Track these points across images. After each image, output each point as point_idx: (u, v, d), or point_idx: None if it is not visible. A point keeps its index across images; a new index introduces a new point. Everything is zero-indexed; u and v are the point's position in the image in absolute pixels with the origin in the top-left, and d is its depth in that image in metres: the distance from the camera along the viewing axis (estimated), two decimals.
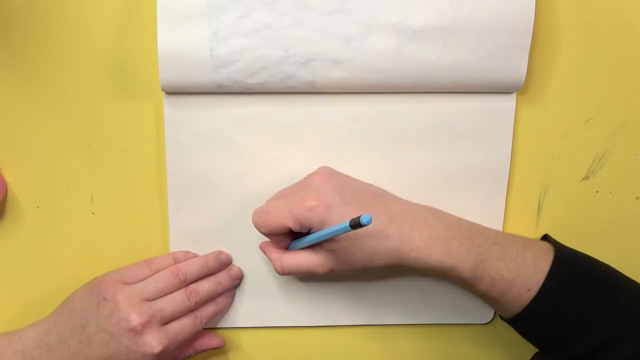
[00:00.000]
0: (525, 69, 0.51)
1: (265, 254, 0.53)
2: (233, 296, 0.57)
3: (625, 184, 0.58)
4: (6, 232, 0.55)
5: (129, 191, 0.55)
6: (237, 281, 0.56)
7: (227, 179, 0.54)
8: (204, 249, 0.56)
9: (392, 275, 0.57)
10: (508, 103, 0.54)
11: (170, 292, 0.52)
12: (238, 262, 0.56)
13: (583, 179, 0.58)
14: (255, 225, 0.51)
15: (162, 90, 0.51)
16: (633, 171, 0.57)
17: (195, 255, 0.55)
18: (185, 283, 0.53)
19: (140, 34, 0.52)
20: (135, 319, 0.49)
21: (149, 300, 0.51)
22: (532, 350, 0.61)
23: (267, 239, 0.53)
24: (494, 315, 0.59)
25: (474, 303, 0.59)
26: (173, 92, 0.52)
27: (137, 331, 0.49)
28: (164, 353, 0.50)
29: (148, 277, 0.52)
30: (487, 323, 0.60)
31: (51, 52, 0.52)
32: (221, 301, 0.56)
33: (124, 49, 0.52)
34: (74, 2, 0.51)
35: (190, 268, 0.53)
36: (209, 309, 0.54)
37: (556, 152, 0.57)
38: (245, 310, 0.57)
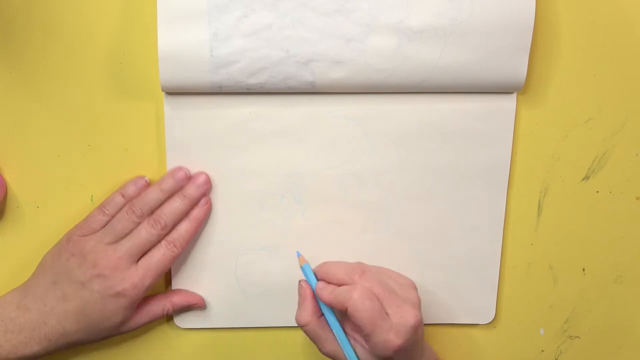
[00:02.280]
0: (526, 69, 0.51)
1: (302, 292, 0.52)
2: (209, 203, 0.54)
3: (625, 184, 0.58)
4: (6, 232, 0.55)
5: None
6: (205, 186, 0.53)
7: (227, 179, 0.54)
8: (203, 247, 0.56)
9: None
10: (508, 103, 0.54)
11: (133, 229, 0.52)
12: (238, 263, 0.56)
13: (583, 179, 0.58)
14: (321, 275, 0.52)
15: (162, 90, 0.51)
16: (633, 171, 0.57)
17: (147, 184, 0.54)
18: (146, 215, 0.52)
19: (141, 35, 0.52)
20: (102, 264, 0.50)
21: (113, 243, 0.51)
22: (532, 350, 0.62)
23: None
24: (495, 315, 0.59)
25: (474, 303, 0.59)
26: (173, 92, 0.52)
27: (105, 275, 0.50)
28: (137, 290, 0.51)
29: (106, 223, 0.52)
30: (488, 323, 0.60)
31: (51, 52, 0.52)
32: (195, 214, 0.53)
33: (124, 49, 0.52)
34: (74, 2, 0.51)
35: (145, 199, 0.52)
36: (181, 228, 0.53)
37: (556, 152, 0.57)
38: (246, 310, 0.57)
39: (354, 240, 0.56)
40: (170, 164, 0.54)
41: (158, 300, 0.55)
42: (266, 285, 0.57)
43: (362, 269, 0.52)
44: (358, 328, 0.50)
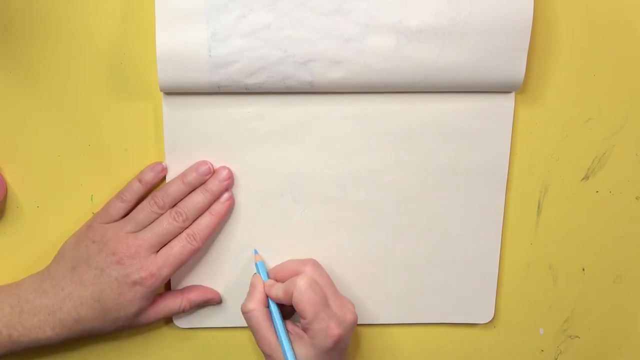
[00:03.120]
0: (524, 69, 0.51)
1: (253, 285, 0.54)
2: (231, 198, 0.54)
3: (625, 184, 0.58)
4: (6, 232, 0.55)
5: None
6: (227, 181, 0.54)
7: None
8: (204, 249, 0.56)
9: (391, 276, 0.57)
10: (507, 103, 0.54)
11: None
12: (238, 263, 0.56)
13: (583, 179, 0.58)
14: (271, 275, 0.54)
15: (161, 90, 0.51)
16: (633, 171, 0.57)
17: (164, 170, 0.54)
18: (168, 207, 0.53)
19: (140, 35, 0.52)
20: (121, 252, 0.50)
21: (134, 232, 0.52)
22: (532, 350, 0.61)
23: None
24: (495, 315, 0.59)
25: (474, 303, 0.59)
26: (172, 92, 0.52)
27: (124, 263, 0.50)
28: (155, 280, 0.51)
29: (126, 210, 0.53)
30: (487, 323, 0.60)
31: (51, 52, 0.52)
32: (217, 208, 0.54)
33: (123, 49, 0.52)
34: (74, 2, 0.51)
35: (168, 191, 0.53)
36: (202, 222, 0.53)
37: (556, 152, 0.57)
38: None
39: (352, 239, 0.57)
40: (169, 164, 0.54)
41: (174, 296, 0.55)
42: None
43: (312, 262, 0.54)
44: (300, 319, 0.51)
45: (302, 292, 0.50)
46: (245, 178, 0.54)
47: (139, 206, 0.53)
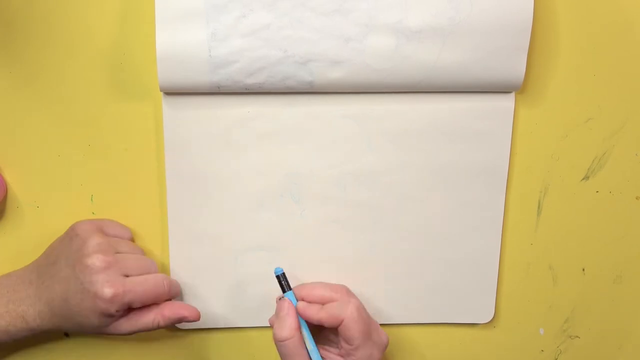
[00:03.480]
0: (524, 69, 0.51)
1: (284, 310, 0.53)
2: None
3: (625, 184, 0.58)
4: (6, 232, 0.55)
5: (128, 191, 0.55)
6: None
7: (226, 179, 0.54)
8: (202, 248, 0.56)
9: (391, 276, 0.57)
10: (507, 102, 0.54)
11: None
12: (238, 263, 0.56)
13: (583, 179, 0.58)
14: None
15: (161, 91, 0.51)
16: (633, 171, 0.57)
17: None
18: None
19: (140, 34, 0.52)
20: (98, 258, 0.49)
21: (118, 253, 0.51)
22: (532, 350, 0.61)
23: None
24: (495, 315, 0.59)
25: (474, 303, 0.59)
26: (172, 92, 0.52)
27: (95, 269, 0.48)
28: (117, 302, 0.48)
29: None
30: (488, 323, 0.60)
31: (51, 52, 0.52)
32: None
33: (123, 49, 0.52)
34: (74, 2, 0.51)
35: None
36: (178, 284, 0.55)
37: (556, 152, 0.57)
38: (245, 311, 0.57)
39: (352, 239, 0.57)
40: (170, 164, 0.54)
41: (148, 311, 0.52)
42: (266, 285, 0.57)
43: (346, 289, 0.55)
44: (336, 344, 0.53)
45: (355, 319, 0.51)
46: (246, 178, 0.54)
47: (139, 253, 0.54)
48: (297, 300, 0.53)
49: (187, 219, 0.55)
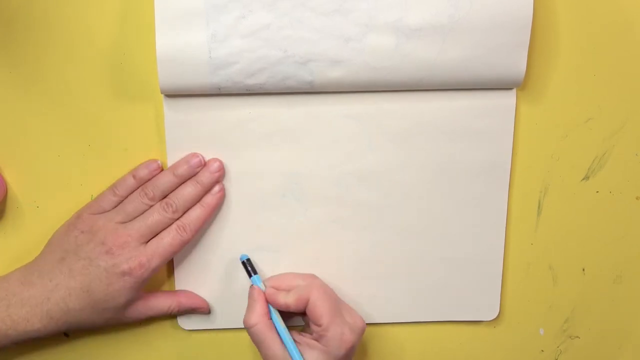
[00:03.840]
0: (525, 65, 0.51)
1: (253, 297, 0.53)
2: (222, 190, 0.54)
3: (625, 184, 0.58)
4: (6, 232, 0.55)
5: None
6: (218, 173, 0.53)
7: (228, 179, 0.54)
8: (204, 249, 0.56)
9: (393, 275, 0.57)
10: (508, 100, 0.54)
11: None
12: (237, 263, 0.56)
13: (583, 179, 0.58)
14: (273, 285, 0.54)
15: (162, 93, 0.51)
16: (633, 171, 0.57)
17: (159, 168, 0.53)
18: (158, 199, 0.52)
19: (140, 35, 0.52)
20: (110, 241, 0.50)
21: (123, 222, 0.51)
22: (532, 350, 0.61)
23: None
24: (499, 312, 0.59)
25: (478, 300, 0.59)
26: (173, 94, 0.52)
27: (113, 253, 0.50)
28: (144, 270, 0.50)
29: (117, 203, 0.53)
30: (488, 323, 0.60)
31: (51, 52, 0.52)
32: (207, 200, 0.53)
33: (124, 49, 0.52)
34: (74, 2, 0.51)
35: (158, 183, 0.52)
36: (193, 214, 0.53)
37: (556, 152, 0.57)
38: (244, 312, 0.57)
39: (354, 239, 0.57)
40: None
41: (165, 297, 0.55)
42: None
43: (314, 275, 0.55)
44: (309, 327, 0.52)
45: (319, 298, 0.51)
46: (247, 179, 0.54)
47: (129, 197, 0.53)
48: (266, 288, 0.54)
49: None
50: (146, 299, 0.53)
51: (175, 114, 0.53)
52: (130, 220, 0.52)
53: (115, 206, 0.53)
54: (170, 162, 0.54)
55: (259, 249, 0.56)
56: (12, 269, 0.54)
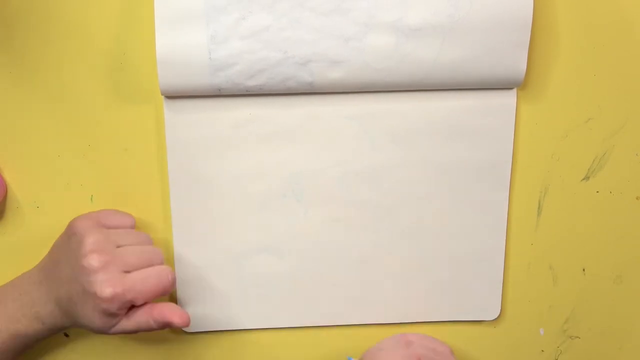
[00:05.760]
0: (525, 65, 0.51)
1: None
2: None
3: (625, 184, 0.58)
4: (6, 232, 0.55)
5: (129, 192, 0.55)
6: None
7: (229, 181, 0.54)
8: (206, 250, 0.56)
9: (395, 275, 0.57)
10: (509, 99, 0.54)
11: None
12: (238, 264, 0.56)
13: (583, 179, 0.58)
14: None
15: (162, 94, 0.51)
16: (633, 171, 0.57)
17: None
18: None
19: (140, 35, 0.52)
20: (94, 258, 0.47)
21: (116, 245, 0.50)
22: (532, 350, 0.61)
23: None
24: (501, 312, 0.59)
25: (479, 300, 0.59)
26: (173, 96, 0.52)
27: (93, 269, 0.47)
28: (118, 301, 0.47)
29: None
30: (488, 323, 0.60)
31: (51, 52, 0.52)
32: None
33: (124, 50, 0.52)
34: (74, 2, 0.51)
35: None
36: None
37: (556, 152, 0.57)
38: (246, 313, 0.57)
39: (356, 239, 0.56)
40: (172, 167, 0.54)
41: (143, 312, 0.50)
42: (270, 287, 0.57)
43: (405, 340, 0.56)
44: None
45: None
46: (248, 179, 0.54)
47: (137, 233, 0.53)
48: None
49: (191, 221, 0.55)
50: (128, 315, 0.49)
51: (175, 114, 0.53)
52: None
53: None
54: (170, 162, 0.53)
55: (260, 249, 0.56)
56: (12, 269, 0.54)
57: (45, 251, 0.54)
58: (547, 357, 0.62)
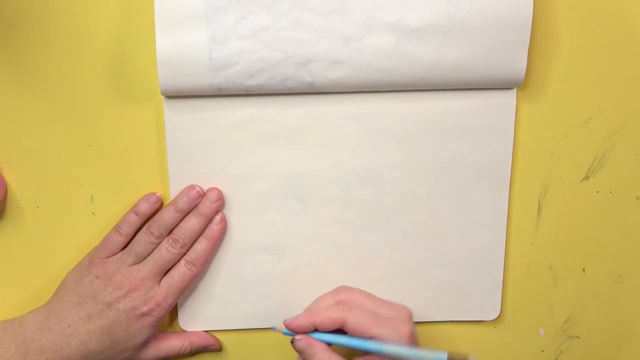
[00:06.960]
0: (525, 65, 0.51)
1: (306, 344, 0.51)
2: (223, 220, 0.55)
3: (625, 184, 0.58)
4: (6, 232, 0.55)
5: (129, 191, 0.55)
6: (218, 203, 0.54)
7: (229, 181, 0.54)
8: None
9: (395, 275, 0.57)
10: (509, 99, 0.54)
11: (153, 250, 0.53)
12: (238, 264, 0.56)
13: (583, 179, 0.58)
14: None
15: (162, 94, 0.51)
16: (633, 171, 0.57)
17: (159, 200, 0.54)
18: (164, 235, 0.53)
19: (140, 35, 0.52)
20: (127, 286, 0.52)
21: (136, 264, 0.53)
22: (532, 350, 0.61)
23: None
24: (501, 312, 0.59)
25: (479, 300, 0.58)
26: (173, 95, 0.52)
27: (131, 296, 0.52)
28: (161, 309, 0.53)
29: (125, 243, 0.54)
30: (488, 323, 0.60)
31: (51, 52, 0.52)
32: (211, 232, 0.54)
33: (124, 49, 0.52)
34: (73, 3, 0.51)
35: (161, 220, 0.53)
36: (199, 247, 0.54)
37: (556, 152, 0.57)
38: (249, 312, 0.57)
39: (356, 239, 0.56)
40: (172, 167, 0.54)
41: (178, 338, 0.56)
42: (270, 286, 0.57)
43: (342, 288, 0.55)
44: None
45: (354, 313, 0.51)
46: (248, 180, 0.54)
47: (136, 238, 0.53)
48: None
49: None
50: (159, 340, 0.55)
51: (176, 114, 0.53)
52: (141, 261, 0.53)
53: (123, 245, 0.54)
54: (171, 163, 0.54)
55: (261, 249, 0.56)
56: (12, 270, 0.54)
57: (44, 251, 0.54)
58: (547, 357, 0.62)
